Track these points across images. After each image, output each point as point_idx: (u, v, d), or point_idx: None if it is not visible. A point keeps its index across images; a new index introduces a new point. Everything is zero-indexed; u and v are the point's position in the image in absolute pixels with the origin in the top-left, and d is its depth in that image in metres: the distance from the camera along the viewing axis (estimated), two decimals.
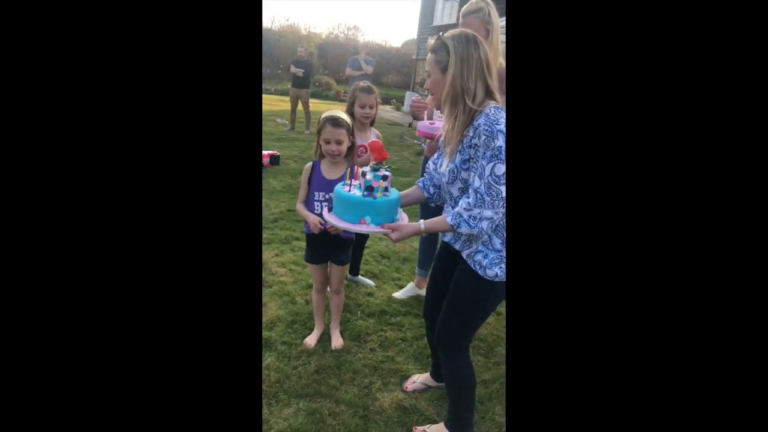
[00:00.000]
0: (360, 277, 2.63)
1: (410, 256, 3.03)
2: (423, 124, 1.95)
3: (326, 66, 17.03)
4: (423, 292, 2.55)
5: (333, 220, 1.42)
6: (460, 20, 1.97)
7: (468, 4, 1.96)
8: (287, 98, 7.96)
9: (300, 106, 7.57)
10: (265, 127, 7.57)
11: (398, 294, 2.53)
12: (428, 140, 2.32)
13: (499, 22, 1.91)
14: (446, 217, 1.33)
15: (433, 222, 1.36)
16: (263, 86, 14.03)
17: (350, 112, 2.18)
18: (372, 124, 2.27)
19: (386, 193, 1.39)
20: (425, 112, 2.02)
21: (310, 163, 1.89)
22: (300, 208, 1.92)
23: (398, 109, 13.13)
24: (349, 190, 1.41)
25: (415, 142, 7.08)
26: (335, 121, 1.77)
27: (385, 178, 1.38)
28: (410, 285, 2.58)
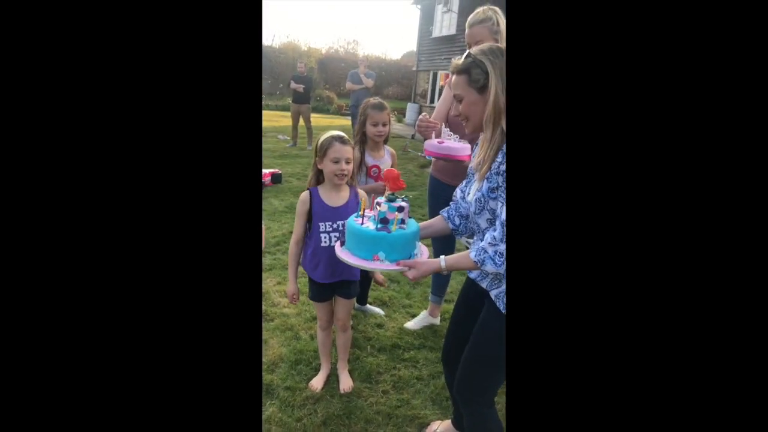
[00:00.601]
0: (369, 306, 2.44)
1: (426, 281, 2.84)
2: (431, 143, 1.78)
3: (327, 80, 17.05)
4: (437, 321, 2.36)
5: (345, 255, 1.29)
6: (467, 30, 1.82)
7: (475, 13, 1.81)
8: (289, 114, 7.86)
9: (301, 122, 7.47)
10: (267, 144, 7.46)
11: (410, 324, 2.34)
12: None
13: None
14: (470, 253, 1.17)
15: (456, 258, 1.20)
16: (264, 102, 14.04)
17: (362, 131, 2.04)
18: (386, 141, 2.11)
19: (402, 225, 1.26)
20: (433, 132, 1.84)
21: (305, 193, 1.69)
22: (292, 252, 1.74)
23: (399, 121, 13.04)
24: (362, 223, 1.29)
25: (419, 154, 6.93)
26: (342, 139, 1.61)
27: (401, 209, 1.26)
28: (423, 314, 2.39)
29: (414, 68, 15.18)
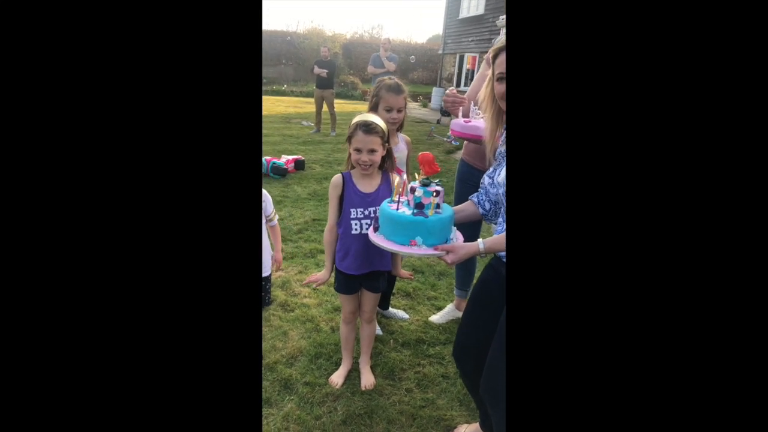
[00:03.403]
0: (392, 309, 2.26)
1: (447, 270, 2.71)
2: (457, 123, 1.63)
3: (351, 65, 16.86)
4: None
5: (380, 241, 1.26)
6: (495, 59, 1.59)
7: (497, 41, 1.58)
8: (312, 100, 7.78)
9: (325, 107, 7.37)
10: (291, 131, 7.42)
11: (435, 318, 2.23)
12: (464, 141, 2.00)
13: None
14: None
15: (495, 240, 1.16)
16: (289, 88, 14.01)
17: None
18: (400, 128, 1.88)
19: (438, 210, 1.23)
20: (460, 108, 1.68)
21: (338, 176, 1.58)
22: (328, 240, 1.63)
23: (425, 105, 12.76)
24: (397, 208, 1.25)
25: (444, 139, 6.71)
26: (368, 127, 1.48)
27: (437, 194, 1.22)
28: (449, 307, 2.27)
29: (440, 51, 14.78)
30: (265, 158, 4.64)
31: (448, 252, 1.18)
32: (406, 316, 2.23)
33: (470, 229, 1.96)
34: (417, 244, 1.20)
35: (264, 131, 7.11)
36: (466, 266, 2.17)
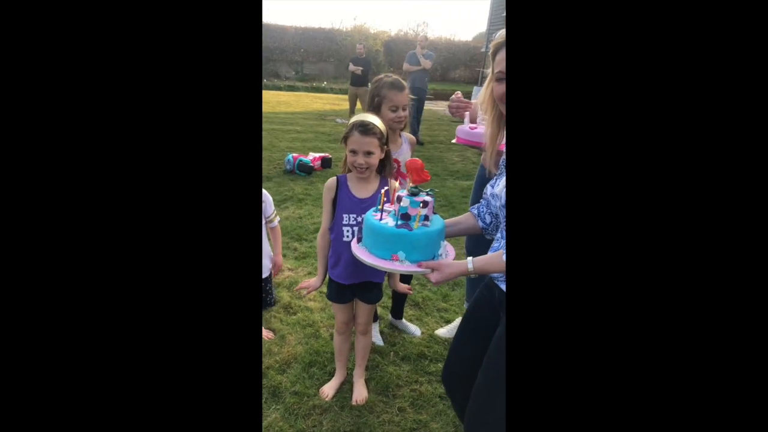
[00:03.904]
0: (404, 321, 2.15)
1: (463, 280, 2.57)
2: (462, 129, 1.50)
3: (392, 63, 16.78)
4: None
5: (360, 253, 1.16)
6: (495, 58, 1.44)
7: (498, 35, 1.43)
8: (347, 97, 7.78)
9: (359, 105, 7.34)
10: (324, 128, 7.45)
11: (442, 331, 2.11)
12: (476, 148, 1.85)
13: None
14: (502, 253, 0.99)
15: (486, 260, 1.04)
16: (328, 85, 14.12)
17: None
18: (404, 128, 1.76)
19: (426, 223, 1.13)
20: (466, 113, 1.55)
21: (332, 179, 1.51)
22: (320, 245, 1.57)
23: None
24: (380, 218, 1.15)
25: None
26: (365, 128, 1.39)
27: (425, 204, 1.11)
28: (458, 320, 2.14)
29: (483, 49, 14.40)
30: (291, 155, 4.66)
31: (433, 270, 1.08)
32: (418, 332, 2.10)
33: (478, 241, 1.83)
34: (399, 260, 1.09)
35: (297, 128, 7.19)
36: (477, 277, 2.03)
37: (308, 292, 1.59)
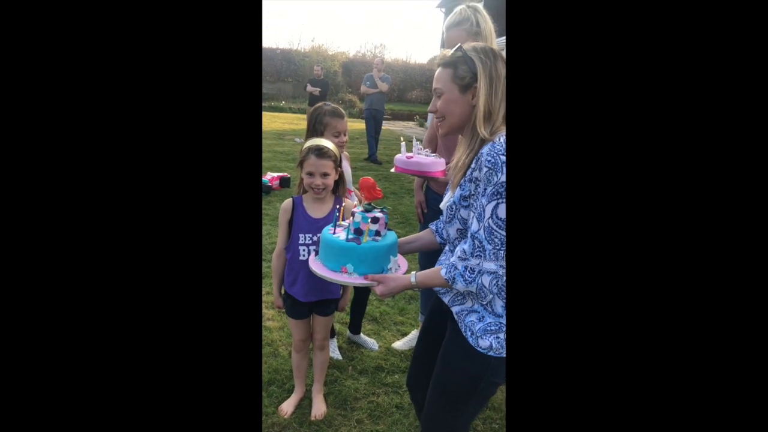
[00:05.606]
0: (362, 336, 2.22)
1: (417, 294, 2.68)
2: (400, 159, 1.62)
3: (350, 84, 17.06)
4: None
5: (314, 266, 1.22)
6: (444, 34, 1.63)
7: (452, 14, 1.62)
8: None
9: None
10: (283, 147, 7.45)
11: (398, 344, 2.18)
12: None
13: (492, 27, 1.56)
14: (441, 269, 1.05)
15: (426, 275, 1.10)
16: (287, 105, 14.13)
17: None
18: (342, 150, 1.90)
19: (376, 237, 1.20)
20: (403, 144, 1.70)
21: (288, 201, 1.59)
22: (275, 266, 1.62)
23: (422, 125, 12.87)
24: (334, 232, 1.23)
25: None
26: (320, 151, 1.49)
27: (375, 220, 1.19)
28: (413, 333, 2.23)
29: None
30: None
31: (378, 283, 1.14)
32: (376, 346, 2.17)
33: (430, 257, 1.94)
34: (348, 272, 1.17)
35: None
36: (430, 290, 2.13)
37: (279, 307, 1.66)
